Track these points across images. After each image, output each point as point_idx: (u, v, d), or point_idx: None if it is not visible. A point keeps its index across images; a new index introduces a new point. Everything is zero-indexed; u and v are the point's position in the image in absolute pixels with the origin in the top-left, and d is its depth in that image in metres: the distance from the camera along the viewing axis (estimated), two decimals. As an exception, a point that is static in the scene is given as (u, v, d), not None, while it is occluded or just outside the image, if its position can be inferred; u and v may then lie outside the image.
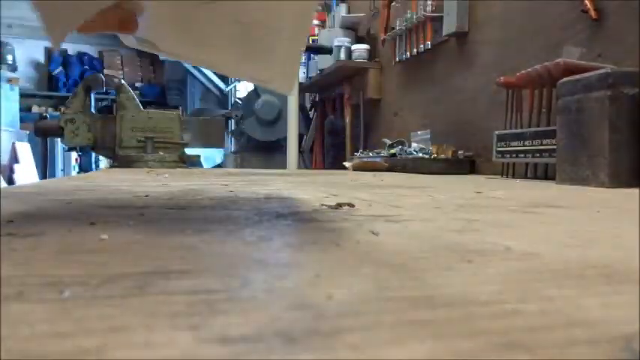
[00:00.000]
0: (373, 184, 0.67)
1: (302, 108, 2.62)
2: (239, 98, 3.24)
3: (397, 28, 1.81)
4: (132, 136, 1.63)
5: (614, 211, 0.37)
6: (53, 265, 0.16)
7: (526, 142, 0.91)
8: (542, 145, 0.87)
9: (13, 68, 5.10)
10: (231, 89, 4.25)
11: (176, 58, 0.32)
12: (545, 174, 0.92)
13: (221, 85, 4.73)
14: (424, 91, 1.70)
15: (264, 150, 2.69)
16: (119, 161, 1.60)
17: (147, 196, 0.44)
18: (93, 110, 1.66)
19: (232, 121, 3.12)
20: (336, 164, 2.04)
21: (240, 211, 0.32)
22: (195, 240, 0.21)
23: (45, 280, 0.14)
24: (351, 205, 0.35)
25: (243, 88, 3.67)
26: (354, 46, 2.04)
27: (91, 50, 5.98)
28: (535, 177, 0.95)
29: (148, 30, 0.32)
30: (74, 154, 4.32)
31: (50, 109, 5.35)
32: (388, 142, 1.54)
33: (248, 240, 0.21)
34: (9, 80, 4.72)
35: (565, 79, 0.73)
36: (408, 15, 1.72)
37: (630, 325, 0.11)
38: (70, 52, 5.94)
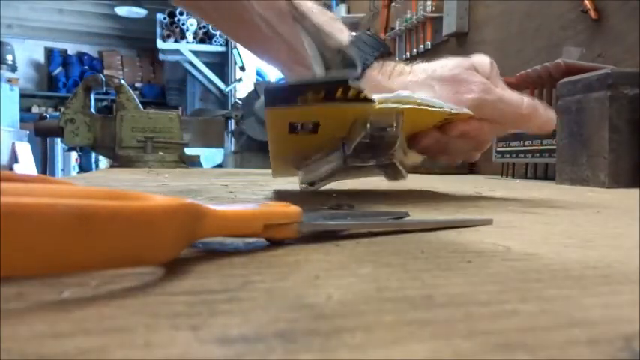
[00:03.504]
0: (373, 185, 0.67)
1: (302, 108, 2.61)
2: (239, 98, 3.24)
3: (397, 28, 1.81)
4: (132, 136, 1.63)
5: (613, 211, 0.37)
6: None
7: (526, 143, 0.91)
8: (542, 145, 0.87)
9: (13, 68, 5.09)
10: (231, 89, 4.25)
11: None
12: (545, 174, 0.92)
13: (221, 85, 4.72)
14: (424, 92, 1.70)
15: (264, 150, 2.67)
16: (119, 161, 1.60)
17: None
18: (93, 110, 1.65)
19: (232, 121, 3.11)
20: (336, 164, 2.04)
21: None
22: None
23: (45, 280, 0.14)
24: (350, 206, 0.35)
25: (242, 88, 3.67)
26: (354, 47, 2.03)
27: (91, 50, 5.98)
28: (535, 177, 0.95)
29: None
30: (74, 154, 4.32)
31: (50, 109, 5.34)
32: (388, 142, 1.54)
33: (248, 240, 0.21)
34: (9, 80, 4.72)
35: (565, 79, 0.73)
36: (408, 15, 1.72)
37: (630, 325, 0.11)
38: (70, 52, 5.93)
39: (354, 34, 0.46)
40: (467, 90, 0.41)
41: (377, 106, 0.36)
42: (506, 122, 0.44)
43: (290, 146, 0.42)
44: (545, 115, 0.43)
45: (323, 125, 0.38)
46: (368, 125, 0.37)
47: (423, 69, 0.43)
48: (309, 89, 0.34)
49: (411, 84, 0.42)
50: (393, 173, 0.41)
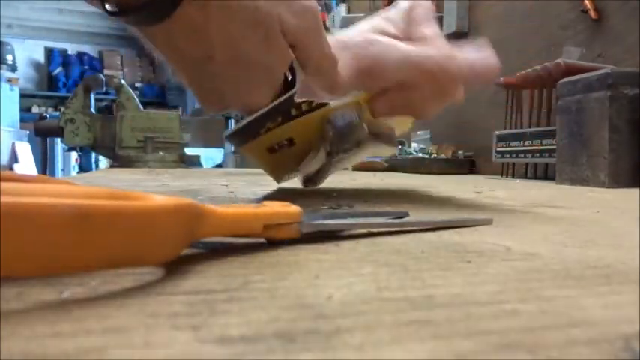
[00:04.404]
0: (373, 185, 0.67)
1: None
2: (239, 98, 3.23)
3: (397, 28, 1.80)
4: (132, 136, 1.63)
5: (613, 211, 0.37)
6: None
7: (526, 143, 0.91)
8: (542, 145, 0.87)
9: (13, 68, 5.09)
10: (231, 89, 4.23)
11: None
12: (545, 174, 0.92)
13: (221, 85, 4.70)
14: (424, 91, 1.70)
15: (264, 150, 2.67)
16: (119, 161, 1.60)
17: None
18: (93, 110, 1.65)
19: (232, 121, 3.11)
20: (336, 164, 2.03)
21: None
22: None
23: (45, 280, 0.14)
24: (350, 206, 0.35)
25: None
26: (354, 46, 2.03)
27: (91, 50, 5.97)
28: (535, 177, 0.95)
29: None
30: (74, 154, 4.32)
31: (50, 109, 5.34)
32: (388, 142, 1.54)
33: (248, 240, 0.21)
34: (9, 80, 4.72)
35: (565, 79, 0.73)
36: (408, 15, 1.71)
37: (630, 325, 0.11)
38: (70, 52, 5.92)
39: None
40: (363, 56, 0.38)
41: (333, 105, 0.39)
42: (421, 83, 0.39)
43: (278, 161, 0.44)
44: (480, 64, 0.38)
45: (296, 137, 0.41)
46: (333, 123, 0.40)
47: (341, 39, 0.40)
48: (266, 120, 0.37)
49: None
50: (386, 145, 0.43)
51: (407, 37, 0.40)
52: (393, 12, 0.42)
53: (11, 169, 3.97)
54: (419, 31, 0.40)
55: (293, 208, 0.20)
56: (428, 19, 0.41)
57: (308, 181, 0.43)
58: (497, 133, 1.02)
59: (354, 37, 0.40)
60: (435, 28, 0.40)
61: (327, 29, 0.44)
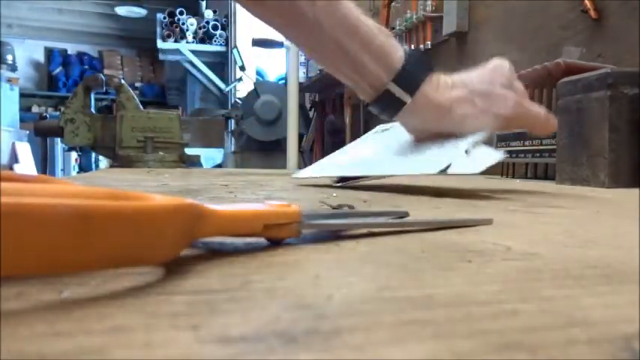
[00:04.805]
0: (373, 185, 0.67)
1: (302, 108, 2.61)
2: (239, 98, 3.24)
3: (397, 28, 1.80)
4: (132, 136, 1.63)
5: (614, 211, 0.37)
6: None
7: (526, 142, 0.91)
8: (542, 145, 0.87)
9: (13, 68, 5.09)
10: (231, 89, 4.24)
11: None
12: (545, 174, 0.92)
13: (221, 85, 4.72)
14: (424, 91, 1.70)
15: (264, 150, 2.69)
16: (119, 161, 1.60)
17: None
18: (93, 110, 1.65)
19: (232, 121, 3.11)
20: (336, 164, 2.03)
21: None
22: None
23: (45, 280, 0.14)
24: (350, 206, 0.35)
25: (242, 88, 3.66)
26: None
27: (91, 50, 5.97)
28: (535, 177, 0.94)
29: None
30: (74, 154, 4.32)
31: (50, 109, 5.34)
32: (388, 142, 1.54)
33: (248, 240, 0.21)
34: (9, 80, 4.72)
35: (565, 79, 0.73)
36: (408, 15, 1.72)
37: (630, 325, 0.11)
38: (70, 52, 5.92)
39: (406, 49, 0.51)
40: (503, 106, 0.50)
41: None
42: (525, 128, 0.60)
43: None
44: (552, 122, 0.55)
45: None
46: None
47: (463, 83, 0.50)
48: None
49: (457, 100, 0.49)
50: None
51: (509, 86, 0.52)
52: (495, 65, 0.53)
53: (11, 169, 3.97)
54: (513, 84, 0.52)
55: (293, 208, 0.20)
56: (514, 75, 0.53)
57: (343, 179, 0.46)
58: (497, 132, 1.02)
59: (485, 83, 0.51)
60: (521, 85, 0.53)
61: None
